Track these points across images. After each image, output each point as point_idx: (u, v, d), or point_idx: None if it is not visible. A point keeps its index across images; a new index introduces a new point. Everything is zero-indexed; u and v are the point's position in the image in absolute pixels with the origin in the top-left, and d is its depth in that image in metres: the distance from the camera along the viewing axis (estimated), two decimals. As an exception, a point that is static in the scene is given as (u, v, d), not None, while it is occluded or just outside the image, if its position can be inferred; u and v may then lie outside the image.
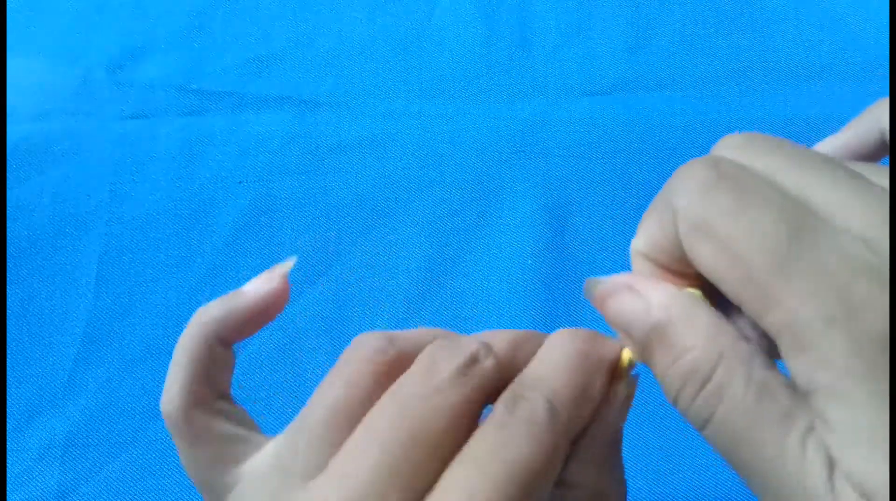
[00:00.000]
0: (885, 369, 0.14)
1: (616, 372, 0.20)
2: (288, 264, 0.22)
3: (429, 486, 0.17)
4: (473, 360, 0.18)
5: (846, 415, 0.14)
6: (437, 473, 0.17)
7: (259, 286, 0.22)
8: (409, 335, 0.20)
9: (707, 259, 0.17)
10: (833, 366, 0.14)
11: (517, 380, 0.19)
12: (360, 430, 0.18)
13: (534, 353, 0.20)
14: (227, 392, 0.22)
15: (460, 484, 0.17)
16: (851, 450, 0.14)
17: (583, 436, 0.19)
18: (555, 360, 0.19)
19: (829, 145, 0.24)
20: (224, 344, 0.22)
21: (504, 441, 0.17)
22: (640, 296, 0.18)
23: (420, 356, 0.19)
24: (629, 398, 0.21)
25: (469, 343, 0.19)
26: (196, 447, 0.20)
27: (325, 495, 0.17)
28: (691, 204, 0.17)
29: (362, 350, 0.19)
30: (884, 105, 0.23)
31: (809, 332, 0.15)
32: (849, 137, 0.23)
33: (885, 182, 0.16)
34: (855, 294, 0.14)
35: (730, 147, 0.18)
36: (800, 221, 0.15)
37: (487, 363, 0.18)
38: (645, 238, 0.19)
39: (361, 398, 0.18)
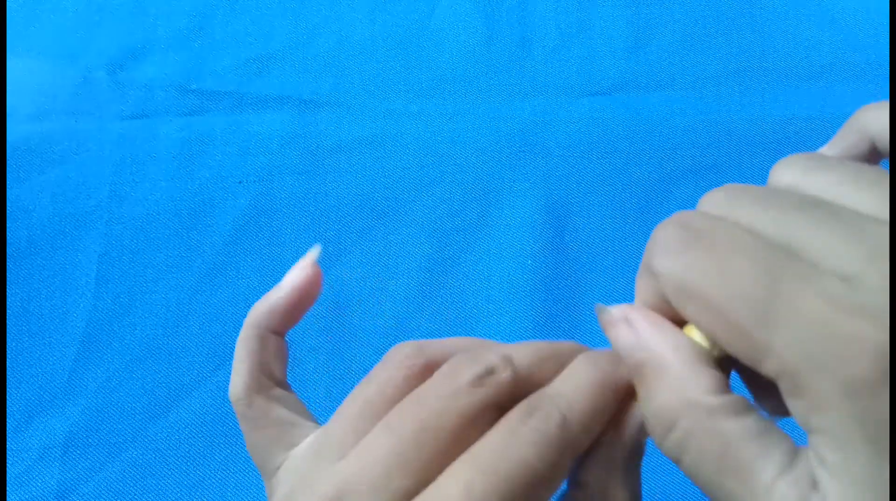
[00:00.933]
0: (880, 408, 0.14)
1: (633, 391, 0.20)
2: (314, 252, 0.25)
3: (433, 477, 0.18)
4: (491, 371, 0.20)
5: (841, 458, 0.15)
6: (443, 467, 0.18)
7: (294, 277, 0.24)
8: (439, 344, 0.22)
9: (696, 317, 0.17)
10: (827, 409, 0.15)
11: (538, 393, 0.20)
12: (382, 422, 0.20)
13: (555, 370, 0.21)
14: (283, 381, 0.25)
15: (460, 476, 0.18)
16: (846, 492, 0.15)
17: (597, 442, 0.20)
18: (577, 380, 0.20)
19: None
20: (277, 333, 0.25)
21: (511, 443, 0.18)
22: (633, 331, 0.19)
23: (444, 365, 0.21)
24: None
25: (490, 355, 0.20)
26: (256, 430, 0.23)
27: (344, 473, 0.19)
28: (669, 268, 0.17)
29: (396, 357, 0.21)
30: (870, 112, 0.21)
31: (801, 378, 0.15)
32: (838, 152, 0.22)
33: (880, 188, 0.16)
34: (841, 336, 0.14)
35: (711, 201, 0.19)
36: (779, 268, 0.15)
37: (504, 375, 0.20)
38: (640, 301, 0.20)
39: (390, 397, 0.20)
